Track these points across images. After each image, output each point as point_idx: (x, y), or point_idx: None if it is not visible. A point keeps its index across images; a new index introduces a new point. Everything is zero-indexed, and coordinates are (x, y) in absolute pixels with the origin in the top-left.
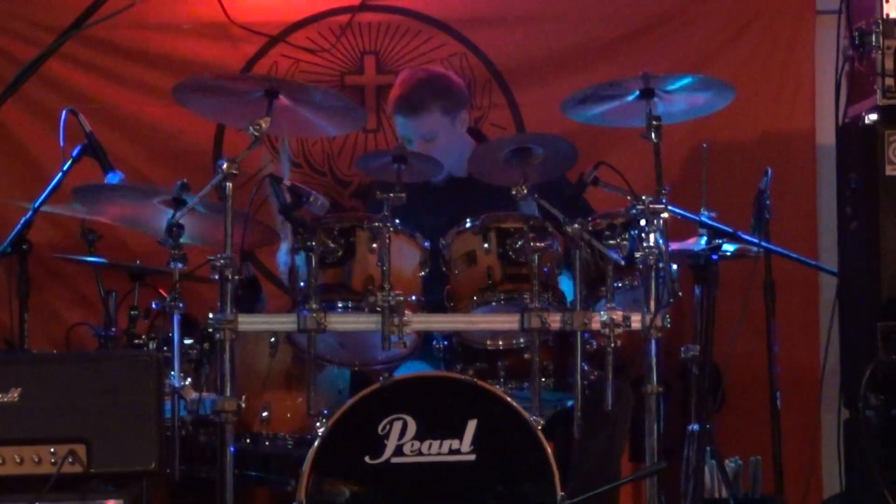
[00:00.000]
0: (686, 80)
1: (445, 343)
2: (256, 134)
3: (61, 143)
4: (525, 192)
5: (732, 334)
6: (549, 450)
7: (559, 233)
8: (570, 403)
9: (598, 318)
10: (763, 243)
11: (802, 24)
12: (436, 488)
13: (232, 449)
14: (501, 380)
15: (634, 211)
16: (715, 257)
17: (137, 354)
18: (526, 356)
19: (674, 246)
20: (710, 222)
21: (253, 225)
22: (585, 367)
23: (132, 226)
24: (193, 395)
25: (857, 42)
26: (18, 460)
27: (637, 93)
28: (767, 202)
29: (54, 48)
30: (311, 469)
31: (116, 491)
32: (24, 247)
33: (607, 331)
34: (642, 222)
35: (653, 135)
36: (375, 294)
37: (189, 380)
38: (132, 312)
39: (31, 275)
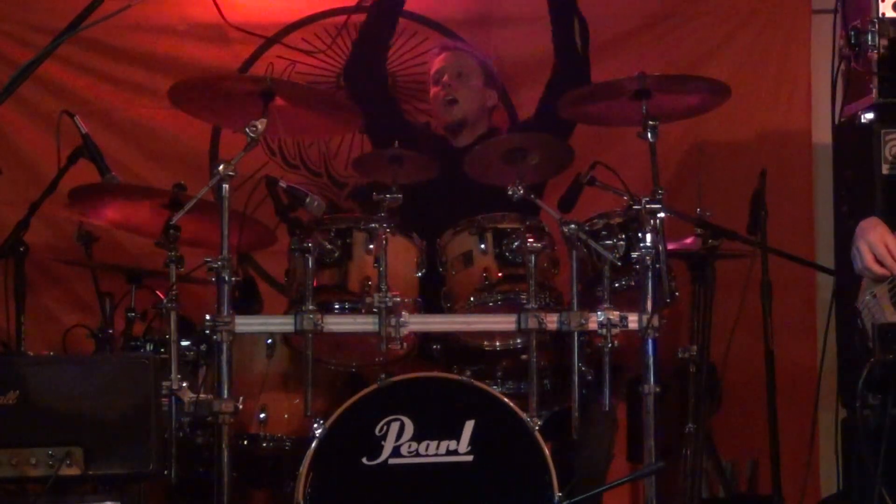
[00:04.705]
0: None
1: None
2: (253, 135)
3: (57, 146)
4: (521, 191)
5: (729, 334)
6: (546, 451)
7: None
8: None
9: (596, 319)
10: (760, 243)
11: (798, 23)
12: (433, 489)
13: None
14: (499, 380)
15: (631, 211)
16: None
17: (134, 356)
18: (523, 357)
19: (670, 245)
20: (706, 222)
21: (249, 226)
22: (583, 368)
23: (128, 228)
24: (191, 396)
25: (852, 41)
26: (15, 463)
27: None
28: (764, 201)
29: (50, 50)
30: (309, 470)
31: (114, 493)
32: (21, 249)
33: (604, 331)
34: (639, 222)
35: (649, 134)
36: (372, 295)
37: (186, 382)
38: (129, 314)
39: (27, 277)
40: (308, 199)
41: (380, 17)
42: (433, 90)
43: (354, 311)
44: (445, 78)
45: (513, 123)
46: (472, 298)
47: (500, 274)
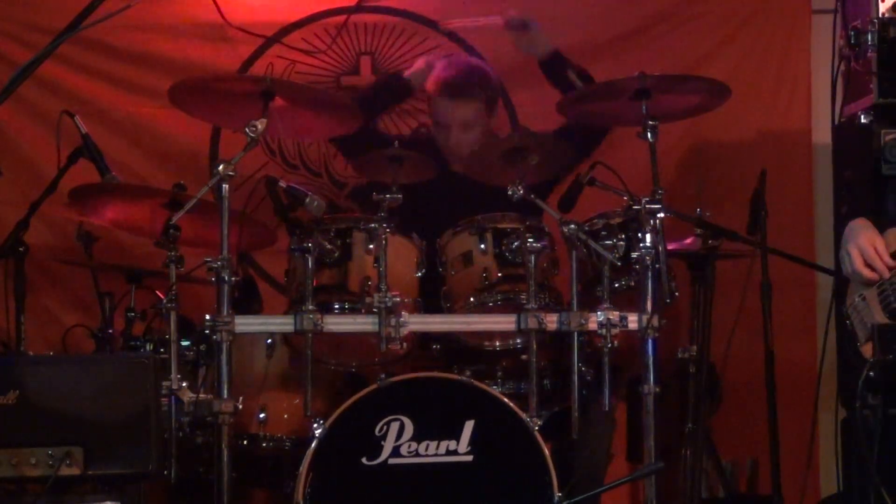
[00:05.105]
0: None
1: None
2: (252, 135)
3: (57, 145)
4: (521, 191)
5: (729, 334)
6: (546, 451)
7: None
8: None
9: (595, 319)
10: (759, 243)
11: (798, 23)
12: (433, 490)
13: None
14: (499, 380)
15: (631, 211)
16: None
17: (134, 356)
18: (523, 357)
19: (670, 245)
20: (706, 222)
21: (249, 226)
22: (583, 368)
23: (128, 228)
24: (191, 396)
25: (852, 41)
26: (15, 462)
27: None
28: (763, 201)
29: (50, 50)
30: (309, 470)
31: (114, 493)
32: (21, 249)
33: (604, 331)
34: (639, 222)
35: (649, 134)
36: (372, 295)
37: (186, 382)
38: (129, 314)
39: (27, 277)
40: (308, 199)
41: (380, 97)
42: (435, 127)
43: (354, 310)
44: (451, 132)
45: (513, 123)
46: (471, 298)
47: (499, 274)
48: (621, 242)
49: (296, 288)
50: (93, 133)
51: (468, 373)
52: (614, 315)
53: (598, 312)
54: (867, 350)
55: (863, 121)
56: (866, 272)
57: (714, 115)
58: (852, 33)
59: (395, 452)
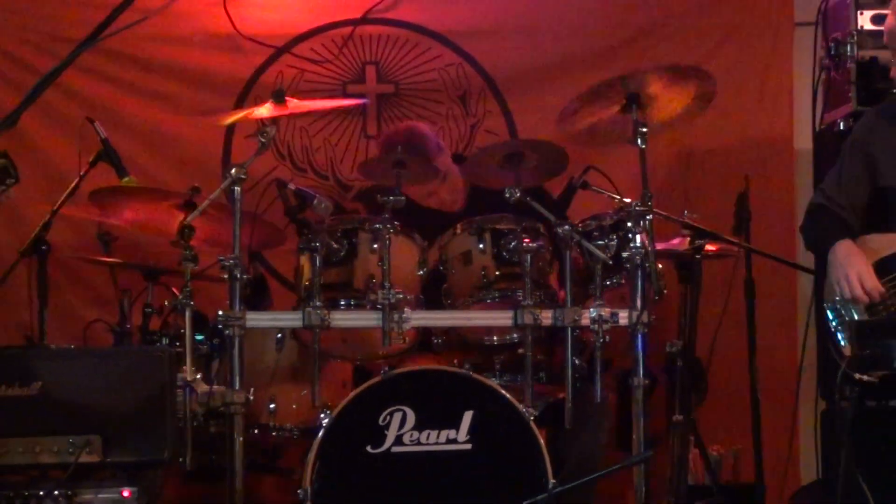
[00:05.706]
0: None
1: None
2: (264, 140)
3: (78, 150)
4: (517, 194)
5: (714, 330)
6: (541, 439)
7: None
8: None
9: (588, 315)
10: (744, 244)
11: (781, 35)
12: (434, 476)
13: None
14: (497, 373)
15: (622, 213)
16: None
17: (151, 350)
18: (519, 351)
19: (659, 246)
20: (693, 224)
21: (260, 226)
22: (576, 361)
23: (146, 228)
24: (204, 388)
25: (832, 52)
26: (38, 450)
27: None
28: (748, 204)
29: (71, 59)
30: (316, 458)
31: (131, 479)
32: (44, 248)
33: (596, 326)
34: (629, 224)
35: (639, 140)
36: (376, 292)
37: (200, 374)
38: (146, 310)
39: (50, 275)
40: (315, 201)
41: None
42: None
43: (359, 307)
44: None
45: (510, 130)
46: (471, 295)
47: (497, 272)
48: (612, 243)
49: (304, 285)
50: (111, 138)
51: (467, 366)
52: (606, 311)
53: (591, 309)
54: (848, 351)
55: (842, 127)
56: (865, 298)
57: (700, 122)
58: (832, 45)
59: (398, 441)
